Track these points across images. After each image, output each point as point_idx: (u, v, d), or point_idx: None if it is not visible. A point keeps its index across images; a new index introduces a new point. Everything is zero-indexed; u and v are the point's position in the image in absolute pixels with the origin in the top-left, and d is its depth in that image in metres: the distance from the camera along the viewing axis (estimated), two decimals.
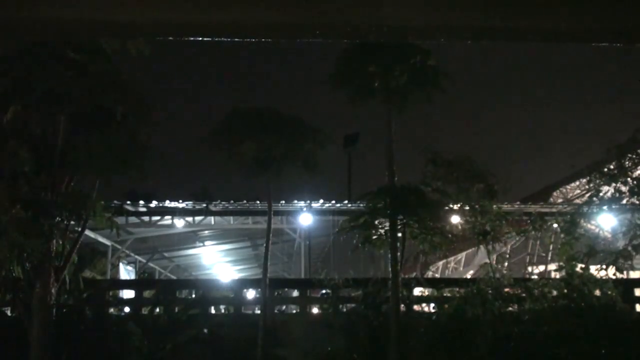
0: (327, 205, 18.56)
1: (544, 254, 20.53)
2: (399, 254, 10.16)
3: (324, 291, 13.05)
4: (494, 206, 11.63)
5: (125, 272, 23.29)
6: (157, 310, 12.55)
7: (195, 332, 11.66)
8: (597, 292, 10.73)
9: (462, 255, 29.87)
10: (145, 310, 12.71)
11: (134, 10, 2.28)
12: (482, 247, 12.02)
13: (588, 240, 11.58)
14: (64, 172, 10.28)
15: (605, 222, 12.69)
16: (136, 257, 24.02)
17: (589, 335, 9.90)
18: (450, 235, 11.23)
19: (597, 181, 11.51)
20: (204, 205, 18.16)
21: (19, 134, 10.23)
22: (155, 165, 11.09)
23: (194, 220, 20.46)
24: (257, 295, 13.69)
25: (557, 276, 11.72)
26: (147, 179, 10.94)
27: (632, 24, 2.36)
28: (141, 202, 17.68)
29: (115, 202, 15.10)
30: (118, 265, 22.21)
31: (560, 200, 21.55)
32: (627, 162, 11.13)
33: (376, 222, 10.53)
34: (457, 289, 12.31)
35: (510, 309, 11.15)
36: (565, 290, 10.81)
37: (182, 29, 2.40)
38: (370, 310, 11.53)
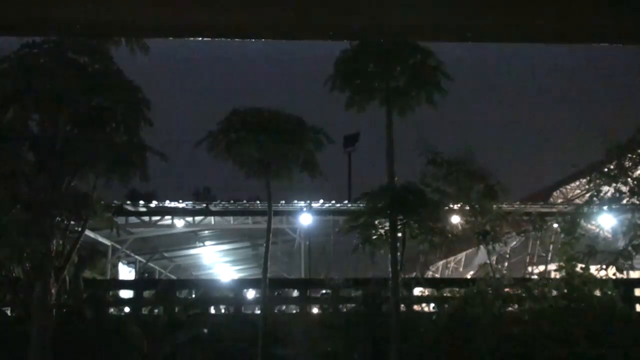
0: (327, 205, 18.54)
1: (544, 254, 20.50)
2: (399, 254, 10.16)
3: (324, 291, 13.05)
4: (494, 206, 11.63)
5: (123, 272, 23.28)
6: (157, 310, 12.54)
7: (195, 332, 11.65)
8: (597, 292, 10.72)
9: (462, 255, 29.80)
10: (145, 310, 12.70)
11: (134, 10, 2.28)
12: (482, 247, 12.02)
13: (588, 240, 11.57)
14: (64, 172, 10.27)
15: (605, 222, 12.68)
16: (136, 257, 24.00)
17: (589, 335, 9.90)
18: (450, 235, 11.23)
19: (597, 181, 11.50)
20: (204, 205, 18.15)
21: (19, 134, 10.23)
22: (155, 165, 11.09)
23: (194, 220, 20.44)
24: (257, 295, 13.68)
25: (557, 276, 11.70)
26: (147, 179, 10.94)
27: (632, 24, 2.36)
28: (141, 202, 17.67)
29: (115, 202, 15.09)
30: (118, 265, 22.20)
31: (560, 200, 21.53)
32: (627, 162, 11.12)
33: (376, 222, 10.53)
34: (457, 289, 12.31)
35: (510, 309, 11.14)
36: (565, 290, 10.80)
37: (182, 29, 2.40)
38: (370, 310, 11.53)
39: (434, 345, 10.55)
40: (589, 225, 12.57)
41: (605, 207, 11.52)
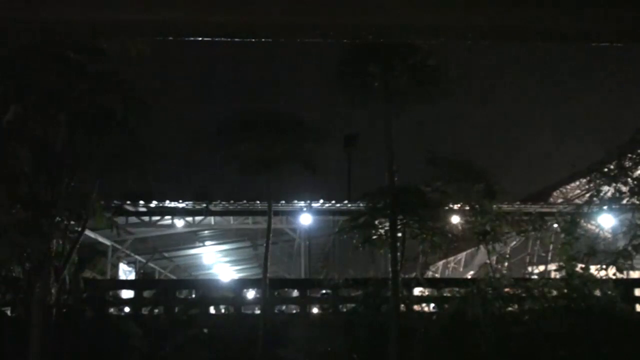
0: (327, 205, 18.55)
1: (544, 254, 20.50)
2: (399, 254, 10.15)
3: (324, 291, 13.05)
4: (494, 206, 11.64)
5: (124, 273, 23.29)
6: (157, 310, 12.54)
7: (195, 332, 11.65)
8: (597, 292, 10.72)
9: (462, 255, 29.83)
10: (145, 310, 12.70)
11: (134, 10, 2.29)
12: (482, 247, 12.03)
13: (588, 240, 11.57)
14: (64, 172, 10.26)
15: (605, 222, 12.69)
16: (136, 257, 24.01)
17: (589, 335, 9.90)
18: (450, 235, 11.23)
19: (597, 181, 11.51)
20: (204, 205, 18.15)
21: (19, 134, 10.23)
22: (156, 165, 11.09)
23: (194, 220, 20.46)
24: (257, 295, 13.68)
25: (557, 276, 11.71)
26: (148, 179, 10.95)
27: (632, 24, 2.37)
28: (141, 202, 17.66)
29: (115, 202, 15.08)
30: (118, 265, 22.22)
31: (560, 200, 21.53)
32: (627, 162, 11.13)
33: (376, 222, 10.53)
34: (457, 289, 12.31)
35: (510, 309, 11.15)
36: (565, 290, 10.81)
37: (182, 29, 2.40)
38: (370, 310, 11.52)
39: (434, 345, 10.55)
40: (589, 225, 12.58)
41: (605, 207, 11.53)
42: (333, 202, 18.61)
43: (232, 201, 18.45)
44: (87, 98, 10.17)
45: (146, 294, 13.43)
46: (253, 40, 2.53)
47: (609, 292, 10.64)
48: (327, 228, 20.36)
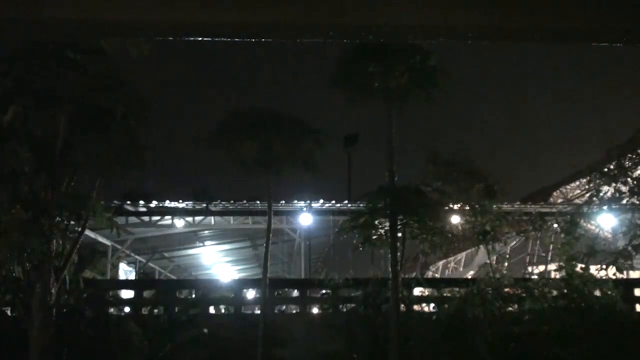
0: (327, 205, 18.56)
1: (544, 254, 20.51)
2: (399, 254, 10.15)
3: (324, 291, 13.05)
4: (494, 206, 11.64)
5: (124, 273, 23.31)
6: (157, 310, 12.53)
7: (195, 332, 11.65)
8: (597, 292, 10.73)
9: (462, 255, 29.86)
10: (145, 310, 12.70)
11: (134, 10, 2.29)
12: (482, 247, 12.04)
13: (588, 240, 11.58)
14: (64, 172, 10.27)
15: (605, 222, 12.69)
16: (136, 257, 24.02)
17: (589, 335, 9.90)
18: (450, 235, 11.23)
19: (597, 181, 11.52)
20: (204, 205, 18.15)
21: (19, 134, 10.23)
22: (156, 165, 11.10)
23: (194, 220, 20.46)
24: (257, 295, 13.68)
25: (557, 276, 11.71)
26: (147, 179, 10.96)
27: (632, 24, 2.37)
28: (141, 202, 17.67)
29: (115, 202, 15.08)
30: (118, 265, 22.22)
31: (560, 200, 21.54)
32: (627, 162, 11.14)
33: (376, 222, 10.52)
34: (457, 289, 12.31)
35: (510, 309, 11.15)
36: (565, 290, 10.81)
37: (182, 29, 2.40)
38: (370, 310, 11.53)
39: (434, 345, 10.55)
40: (589, 225, 12.58)
41: (605, 207, 11.54)
42: (333, 202, 18.62)
43: (232, 201, 18.47)
44: (87, 98, 10.17)
45: (146, 294, 13.43)
46: (253, 40, 2.54)
47: (609, 292, 10.64)
48: (327, 228, 20.37)
